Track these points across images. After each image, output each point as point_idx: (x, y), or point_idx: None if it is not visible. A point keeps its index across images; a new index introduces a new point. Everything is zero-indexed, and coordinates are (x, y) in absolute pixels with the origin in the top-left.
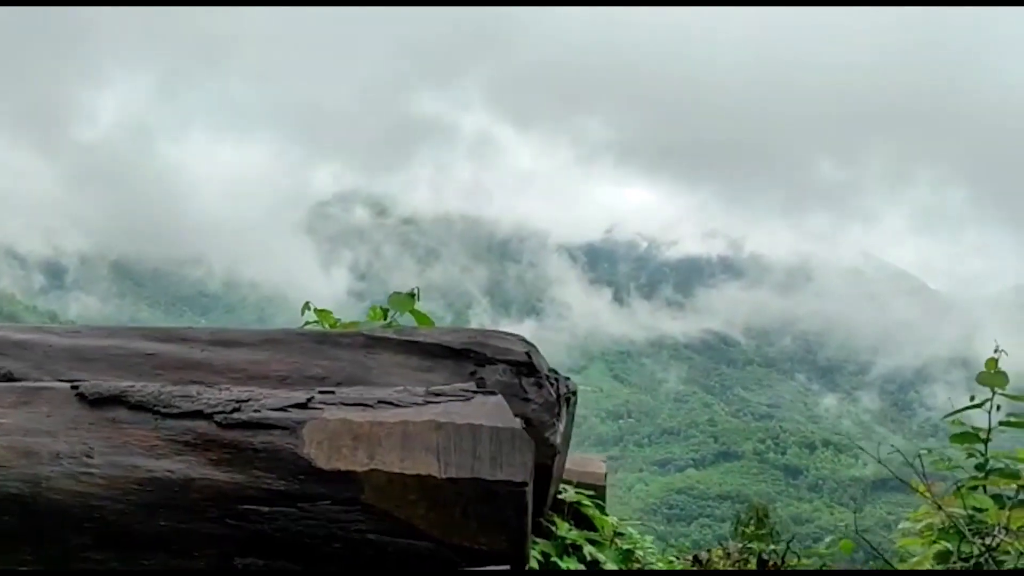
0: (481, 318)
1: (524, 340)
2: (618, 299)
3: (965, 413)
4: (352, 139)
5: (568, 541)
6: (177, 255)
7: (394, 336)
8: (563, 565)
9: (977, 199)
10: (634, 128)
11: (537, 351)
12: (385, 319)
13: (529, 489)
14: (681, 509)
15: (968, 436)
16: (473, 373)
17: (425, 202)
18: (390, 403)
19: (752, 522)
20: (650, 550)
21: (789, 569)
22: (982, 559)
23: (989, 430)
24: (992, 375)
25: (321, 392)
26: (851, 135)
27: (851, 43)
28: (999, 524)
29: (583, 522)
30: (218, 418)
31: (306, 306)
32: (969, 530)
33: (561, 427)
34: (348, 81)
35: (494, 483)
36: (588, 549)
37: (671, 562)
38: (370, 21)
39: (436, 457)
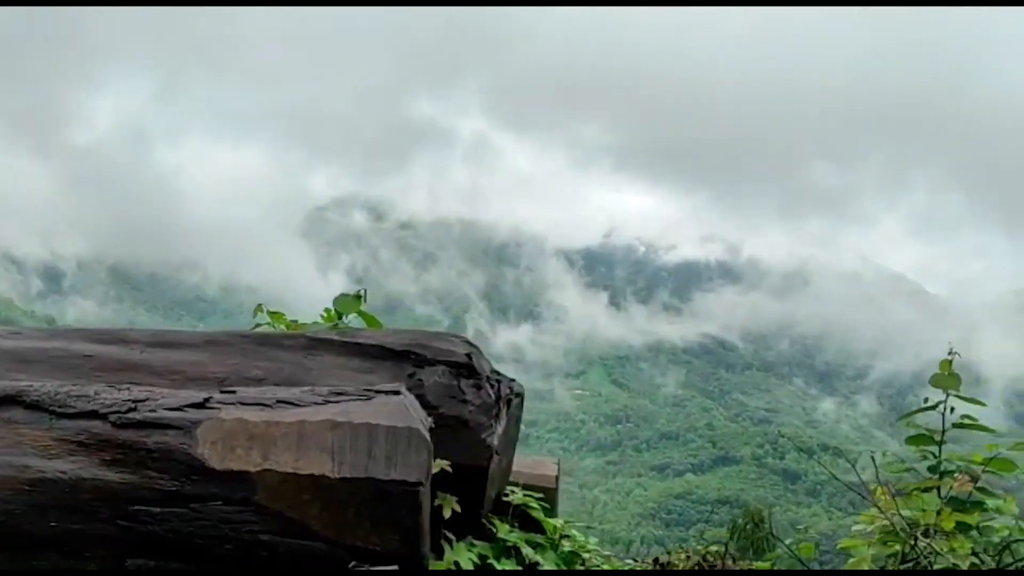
0: (478, 322)
1: (467, 342)
2: (615, 303)
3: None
4: (349, 143)
5: (509, 543)
6: (174, 259)
7: (336, 338)
8: (499, 567)
9: (974, 203)
10: (631, 132)
11: (480, 353)
12: (339, 320)
13: (424, 489)
14: (680, 514)
15: (922, 438)
16: (412, 375)
17: (422, 206)
18: (289, 403)
19: (749, 526)
20: (595, 552)
21: (740, 569)
22: (912, 562)
23: (943, 432)
24: (945, 377)
25: (223, 392)
26: (848, 138)
27: (847, 46)
28: (931, 525)
29: (530, 524)
30: (113, 418)
31: (259, 308)
32: (909, 532)
33: (500, 429)
34: (345, 85)
35: (387, 483)
36: (527, 551)
37: (628, 564)
38: (367, 25)
39: (331, 457)
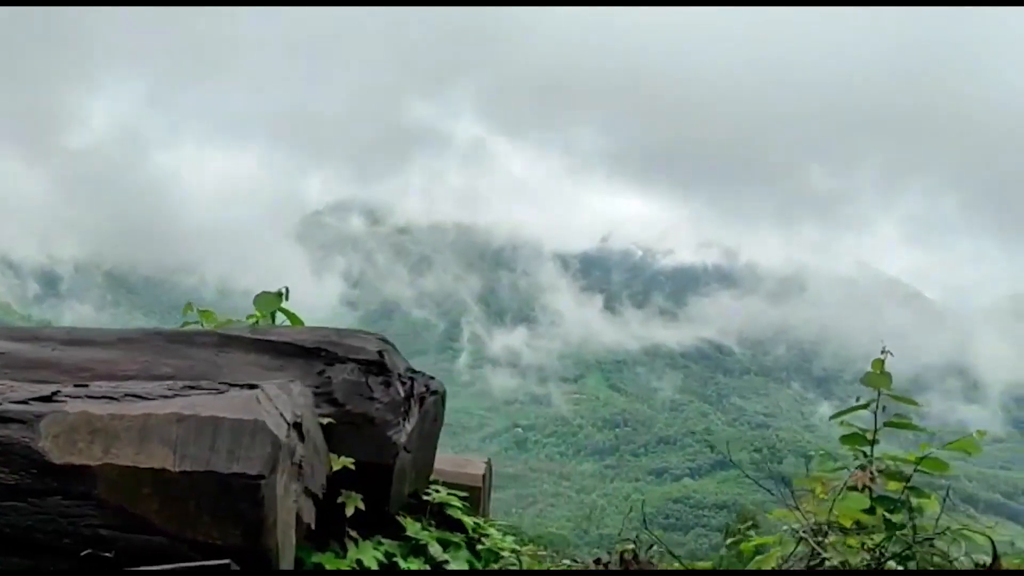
0: (474, 326)
1: (382, 340)
2: (610, 308)
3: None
4: (345, 146)
5: (420, 542)
6: (171, 263)
7: (248, 335)
8: (405, 565)
9: (969, 207)
10: (626, 136)
11: (393, 351)
12: (273, 319)
13: (269, 482)
14: (677, 519)
15: (856, 437)
16: (321, 372)
17: (419, 210)
18: (137, 396)
19: (746, 529)
20: (512, 550)
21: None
22: (814, 560)
23: (875, 431)
24: (877, 376)
25: (76, 385)
26: (843, 142)
27: (843, 50)
28: (828, 522)
29: (451, 523)
30: None
31: (188, 307)
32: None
33: (409, 426)
34: (340, 88)
35: (229, 476)
36: (434, 549)
37: (567, 565)
38: (362, 28)
39: (172, 450)
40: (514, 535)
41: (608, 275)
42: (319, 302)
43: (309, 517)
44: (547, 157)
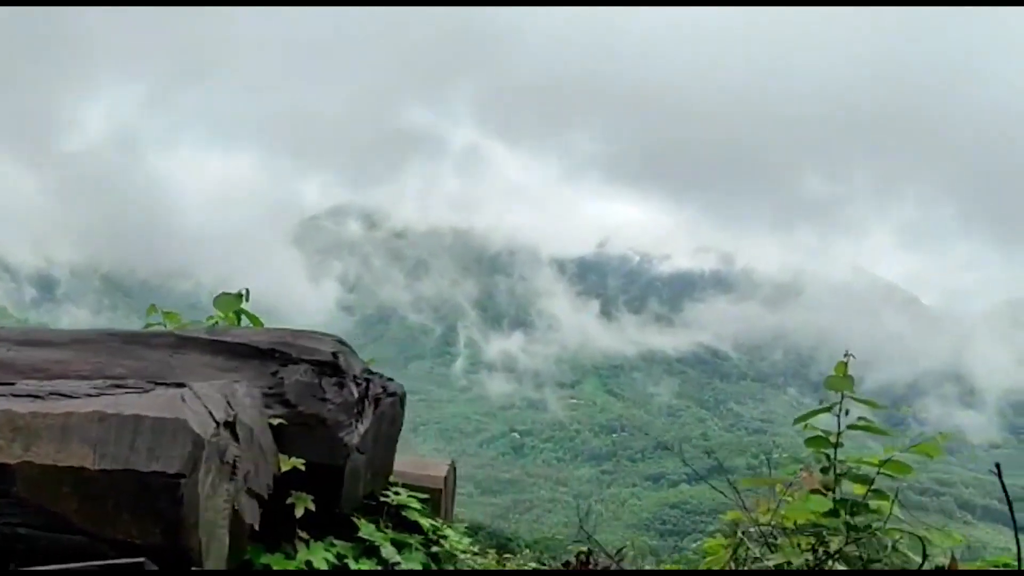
0: (470, 331)
1: (339, 341)
2: (606, 313)
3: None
4: (341, 151)
5: (374, 543)
6: (167, 267)
7: (204, 336)
8: (356, 567)
9: (965, 213)
10: (621, 141)
11: (350, 352)
12: (238, 321)
13: (190, 481)
14: (674, 524)
15: (820, 440)
16: (275, 372)
17: (415, 215)
18: (62, 394)
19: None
20: (469, 552)
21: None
22: (755, 562)
23: (839, 434)
24: (840, 379)
25: (2, 383)
26: (840, 147)
27: (839, 54)
28: (771, 523)
29: (408, 525)
30: None
31: (151, 308)
32: (761, 532)
33: (363, 428)
34: (337, 92)
35: (148, 475)
36: (387, 551)
37: (533, 566)
38: (359, 33)
39: (92, 449)
40: (473, 537)
41: (604, 280)
42: (316, 306)
43: (252, 518)
44: (544, 162)
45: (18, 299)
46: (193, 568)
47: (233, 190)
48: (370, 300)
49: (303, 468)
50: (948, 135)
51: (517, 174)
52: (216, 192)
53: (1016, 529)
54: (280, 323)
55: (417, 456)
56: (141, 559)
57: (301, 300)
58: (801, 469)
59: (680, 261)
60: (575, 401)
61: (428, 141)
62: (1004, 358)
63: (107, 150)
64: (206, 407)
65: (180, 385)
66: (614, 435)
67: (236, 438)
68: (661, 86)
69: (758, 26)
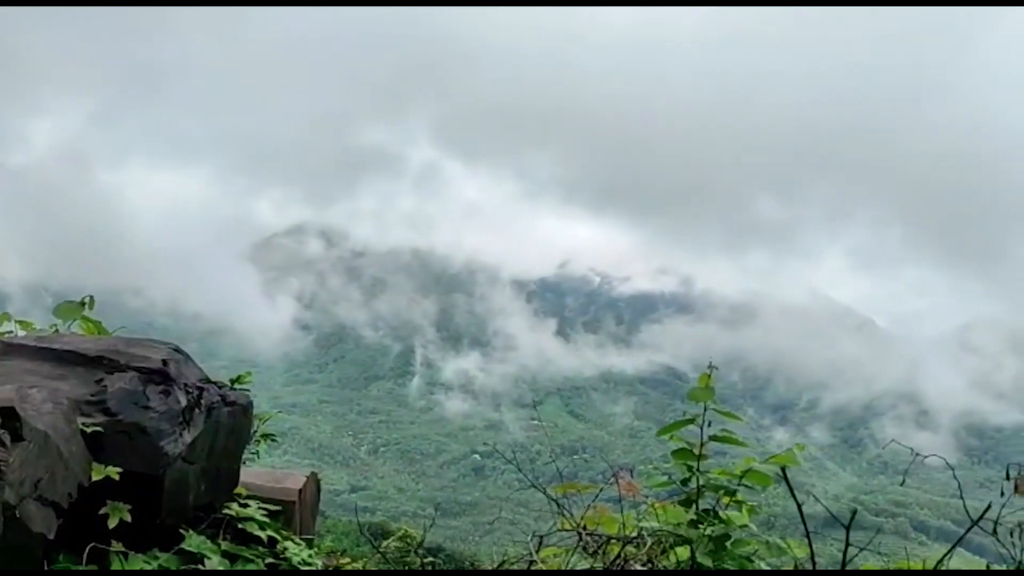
0: (428, 350)
1: (175, 350)
2: (563, 333)
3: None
4: (299, 170)
5: (201, 555)
6: (118, 284)
7: (31, 343)
8: None
9: (913, 238)
10: (578, 163)
11: (185, 360)
12: (97, 330)
13: None
14: None
15: (684, 453)
16: (100, 380)
17: (374, 234)
18: None
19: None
20: (312, 566)
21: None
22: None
23: (702, 445)
24: (701, 391)
25: None
26: (793, 171)
27: (791, 80)
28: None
29: (249, 538)
30: None
31: (3, 316)
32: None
33: (188, 437)
34: (292, 112)
35: None
36: (213, 562)
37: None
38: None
39: None
40: (315, 548)
41: (563, 300)
42: (271, 323)
43: (43, 527)
44: (503, 182)
45: None
46: None
47: (186, 208)
48: (327, 318)
49: (117, 477)
50: (898, 157)
51: (476, 194)
52: (169, 209)
53: (808, 532)
54: (236, 341)
55: (279, 469)
56: None
57: (257, 318)
58: (619, 477)
59: (640, 283)
60: (536, 422)
61: (387, 160)
62: (956, 381)
63: (56, 165)
64: None
65: None
66: (575, 456)
67: (4, 444)
68: (618, 110)
69: (715, 51)
